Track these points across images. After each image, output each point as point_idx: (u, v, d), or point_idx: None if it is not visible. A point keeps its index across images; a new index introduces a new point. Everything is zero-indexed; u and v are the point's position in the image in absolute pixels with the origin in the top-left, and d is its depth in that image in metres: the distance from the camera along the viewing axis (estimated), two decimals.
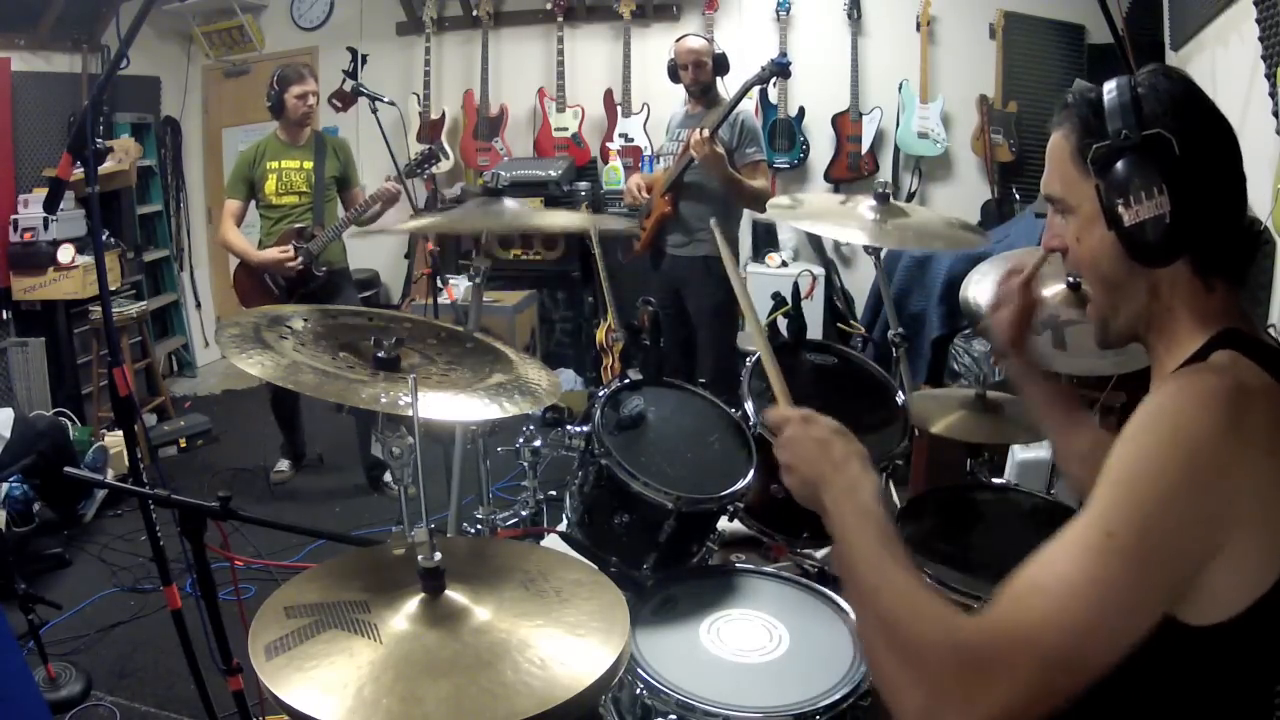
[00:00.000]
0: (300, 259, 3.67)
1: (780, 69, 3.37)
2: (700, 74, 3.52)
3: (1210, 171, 0.97)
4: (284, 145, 3.76)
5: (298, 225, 3.73)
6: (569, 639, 1.08)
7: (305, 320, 1.54)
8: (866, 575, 0.93)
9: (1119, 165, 0.97)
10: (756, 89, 4.58)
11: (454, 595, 1.11)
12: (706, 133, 3.24)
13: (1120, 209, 0.96)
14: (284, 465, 4.11)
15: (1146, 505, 0.84)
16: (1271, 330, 2.23)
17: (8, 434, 3.36)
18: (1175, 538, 0.83)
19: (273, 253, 3.67)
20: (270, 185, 3.73)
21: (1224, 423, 0.85)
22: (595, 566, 1.75)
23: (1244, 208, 1.01)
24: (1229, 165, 0.99)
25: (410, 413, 1.25)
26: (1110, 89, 1.01)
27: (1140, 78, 1.00)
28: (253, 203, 3.82)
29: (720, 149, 3.29)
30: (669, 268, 3.69)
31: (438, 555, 1.10)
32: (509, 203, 1.94)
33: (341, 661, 1.01)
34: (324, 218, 3.76)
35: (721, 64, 3.54)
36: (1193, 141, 0.96)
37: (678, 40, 3.62)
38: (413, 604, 1.10)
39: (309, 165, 3.74)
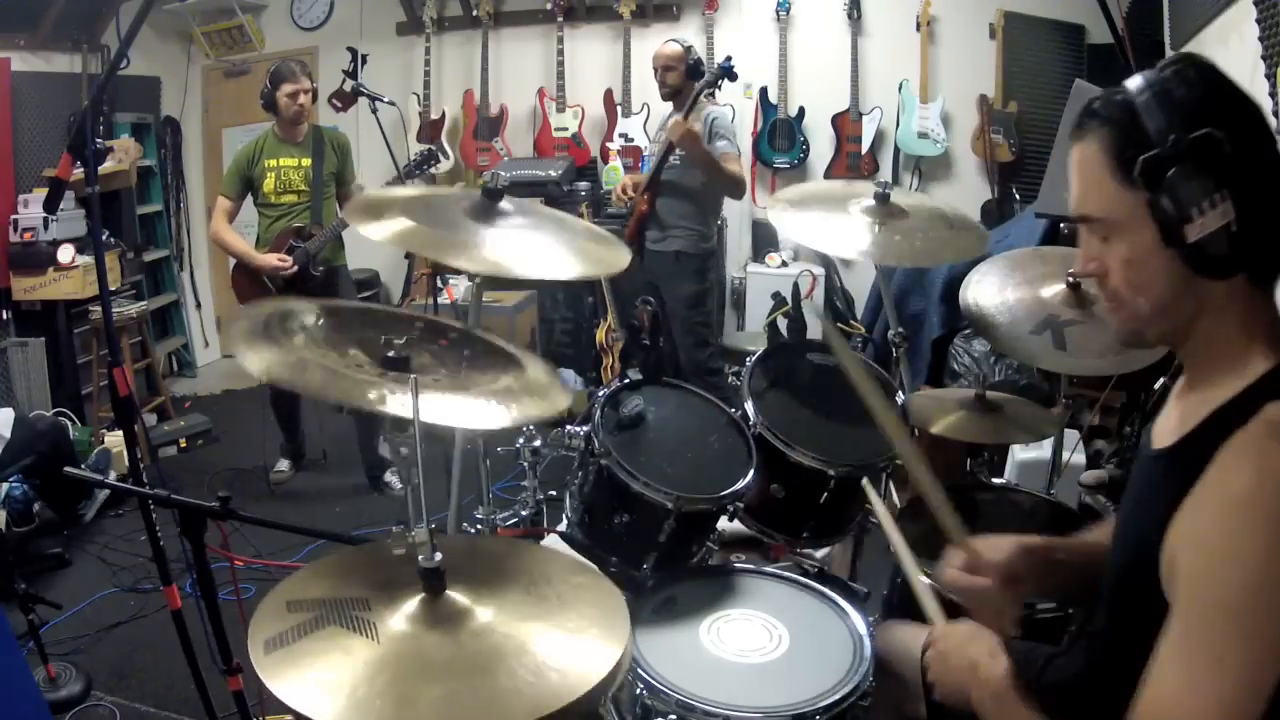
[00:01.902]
0: (296, 261, 3.67)
1: (725, 72, 3.58)
2: (669, 77, 3.68)
3: (1262, 166, 0.90)
4: (281, 143, 3.73)
5: (296, 224, 3.71)
6: (567, 647, 1.06)
7: (316, 317, 1.53)
8: None
9: (1173, 174, 0.88)
10: (749, 92, 4.61)
11: (455, 595, 1.11)
12: (679, 116, 3.48)
13: (1181, 222, 0.88)
14: (284, 465, 4.11)
15: (1257, 626, 0.82)
16: None
17: (8, 434, 3.36)
18: None
19: (272, 259, 3.64)
20: (269, 184, 3.70)
21: None
22: (597, 568, 1.75)
23: None
24: (1274, 155, 0.91)
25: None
26: (1140, 89, 0.92)
27: (1165, 74, 0.92)
28: (248, 199, 3.78)
29: (697, 127, 3.46)
30: (647, 263, 3.77)
31: (438, 555, 1.09)
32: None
33: (337, 660, 1.00)
34: (322, 216, 3.74)
35: (695, 70, 3.66)
36: (1241, 136, 0.88)
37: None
38: (413, 603, 1.09)
39: (307, 163, 3.72)
